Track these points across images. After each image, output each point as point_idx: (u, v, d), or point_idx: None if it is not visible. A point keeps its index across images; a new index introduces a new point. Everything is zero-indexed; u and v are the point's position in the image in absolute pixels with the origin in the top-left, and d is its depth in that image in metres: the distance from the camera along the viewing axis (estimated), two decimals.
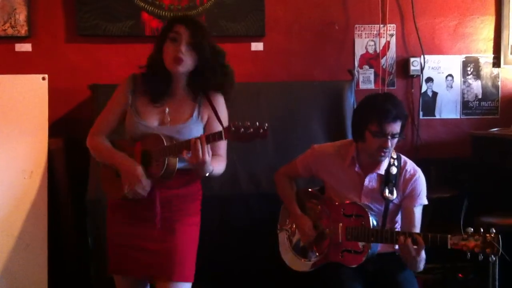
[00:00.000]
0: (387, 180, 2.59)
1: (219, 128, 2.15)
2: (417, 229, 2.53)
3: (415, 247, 2.31)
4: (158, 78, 2.30)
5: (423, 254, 2.34)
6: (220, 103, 2.36)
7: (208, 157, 2.09)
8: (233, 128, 1.97)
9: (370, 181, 2.61)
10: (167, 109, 2.30)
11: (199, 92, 2.33)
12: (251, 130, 1.96)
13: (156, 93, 2.30)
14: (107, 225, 2.45)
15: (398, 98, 2.59)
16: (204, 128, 2.33)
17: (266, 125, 1.97)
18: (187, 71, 2.28)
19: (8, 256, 3.25)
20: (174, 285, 2.30)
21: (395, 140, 2.51)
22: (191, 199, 2.39)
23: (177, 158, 2.22)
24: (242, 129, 1.96)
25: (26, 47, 3.70)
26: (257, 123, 1.97)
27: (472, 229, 2.21)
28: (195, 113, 2.32)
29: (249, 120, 1.98)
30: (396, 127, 2.48)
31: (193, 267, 2.36)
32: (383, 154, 2.51)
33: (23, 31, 3.67)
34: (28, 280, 3.26)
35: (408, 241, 2.30)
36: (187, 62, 2.24)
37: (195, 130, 2.29)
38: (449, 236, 2.25)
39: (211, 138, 2.06)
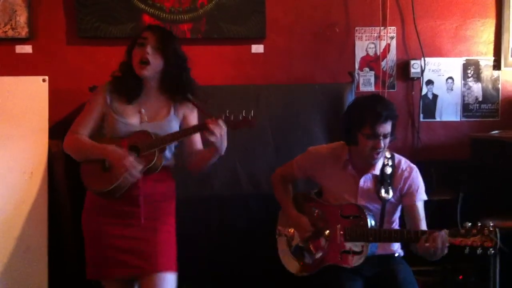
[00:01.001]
0: (382, 180, 2.61)
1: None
2: (423, 223, 2.57)
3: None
4: (129, 82, 2.42)
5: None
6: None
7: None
8: (224, 118, 2.20)
9: (365, 181, 2.63)
10: (143, 110, 2.41)
11: (172, 93, 2.45)
12: (240, 118, 2.21)
13: (129, 95, 2.42)
14: (83, 228, 2.47)
15: (387, 99, 2.65)
16: (180, 126, 2.46)
17: (252, 113, 2.20)
18: (153, 73, 2.39)
19: (8, 258, 3.24)
20: (159, 276, 2.36)
21: (387, 140, 2.54)
22: (169, 197, 2.50)
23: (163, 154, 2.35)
24: (232, 117, 2.20)
25: (27, 49, 3.71)
26: (245, 114, 2.20)
27: (469, 224, 2.23)
28: (172, 111, 2.44)
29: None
30: (388, 127, 2.51)
31: (175, 260, 2.42)
32: (376, 155, 2.55)
33: (23, 33, 3.67)
34: (28, 281, 3.25)
35: (430, 240, 2.30)
36: (153, 63, 2.37)
37: (175, 126, 2.43)
38: (447, 231, 2.26)
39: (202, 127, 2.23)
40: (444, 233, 2.27)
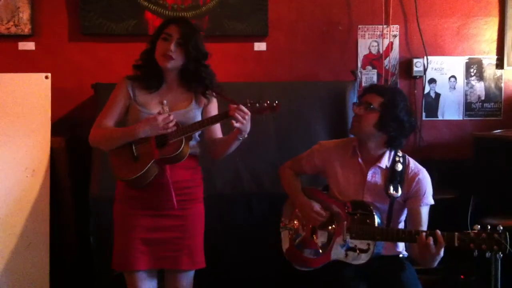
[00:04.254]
0: (392, 176, 2.58)
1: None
2: (424, 228, 2.52)
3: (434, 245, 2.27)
4: (150, 72, 2.47)
5: (441, 252, 2.29)
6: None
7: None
8: (249, 104, 2.28)
9: (373, 176, 2.60)
10: (165, 101, 2.46)
11: (192, 85, 2.50)
12: (264, 104, 2.30)
13: (150, 84, 2.47)
14: (114, 219, 2.51)
15: (404, 93, 2.65)
16: (202, 115, 2.52)
17: (277, 102, 2.30)
18: (175, 66, 2.44)
19: (10, 255, 3.25)
20: (184, 273, 2.48)
21: (370, 112, 2.52)
22: (197, 183, 2.56)
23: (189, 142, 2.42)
24: (257, 104, 2.30)
25: (30, 45, 3.71)
26: (268, 101, 2.31)
27: (479, 226, 2.20)
28: (193, 101, 2.50)
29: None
30: (373, 98, 2.53)
31: (202, 253, 2.53)
32: (353, 122, 2.59)
33: (26, 29, 3.67)
34: (29, 278, 3.26)
35: (429, 240, 2.26)
36: (177, 59, 2.42)
37: (197, 114, 2.49)
38: (456, 233, 2.23)
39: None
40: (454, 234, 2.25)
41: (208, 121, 2.41)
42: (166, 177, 2.40)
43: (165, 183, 2.40)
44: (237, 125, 2.28)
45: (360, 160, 2.62)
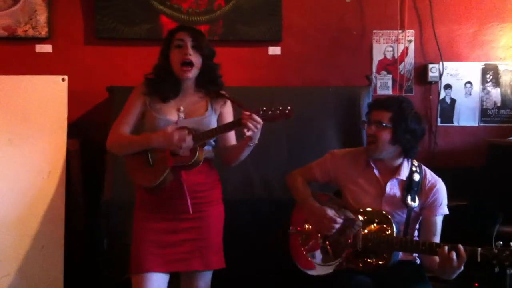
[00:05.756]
0: (409, 187, 2.57)
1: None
2: (437, 238, 2.52)
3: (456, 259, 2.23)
4: (166, 84, 2.46)
5: (462, 266, 2.25)
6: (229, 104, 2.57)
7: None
8: (262, 112, 2.27)
9: (391, 188, 2.58)
10: (181, 108, 2.46)
11: (208, 88, 2.51)
12: (278, 111, 2.28)
13: (167, 95, 2.47)
14: (133, 224, 2.51)
15: (408, 100, 2.62)
16: (217, 121, 2.52)
17: (289, 107, 2.28)
18: (196, 73, 2.46)
19: (24, 257, 3.28)
20: (199, 275, 2.49)
21: (383, 130, 2.52)
22: (213, 186, 2.56)
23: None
24: (269, 111, 2.28)
25: (47, 48, 3.75)
26: (281, 106, 2.28)
27: (501, 243, 2.17)
28: (209, 107, 2.49)
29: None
30: (382, 115, 2.52)
31: (219, 254, 2.54)
32: (368, 143, 2.57)
33: (43, 32, 3.71)
34: (43, 280, 3.29)
35: (452, 253, 2.22)
36: (196, 63, 2.43)
37: (213, 121, 2.49)
38: (479, 249, 2.19)
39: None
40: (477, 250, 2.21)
41: (221, 129, 2.42)
42: (181, 182, 2.40)
43: (180, 188, 2.41)
44: (248, 133, 2.28)
45: (376, 171, 2.61)
